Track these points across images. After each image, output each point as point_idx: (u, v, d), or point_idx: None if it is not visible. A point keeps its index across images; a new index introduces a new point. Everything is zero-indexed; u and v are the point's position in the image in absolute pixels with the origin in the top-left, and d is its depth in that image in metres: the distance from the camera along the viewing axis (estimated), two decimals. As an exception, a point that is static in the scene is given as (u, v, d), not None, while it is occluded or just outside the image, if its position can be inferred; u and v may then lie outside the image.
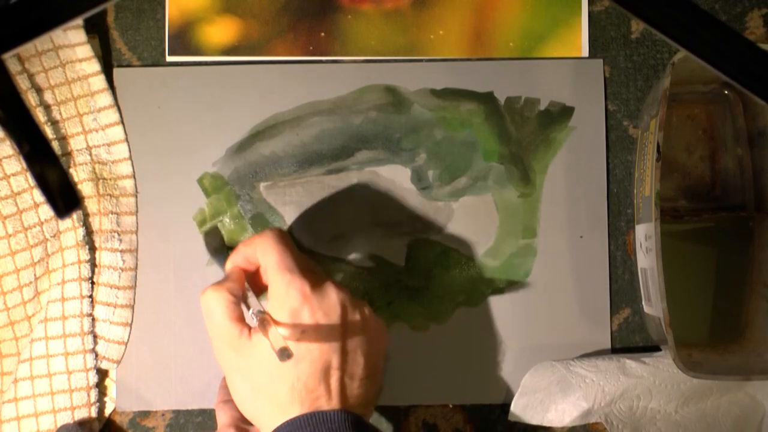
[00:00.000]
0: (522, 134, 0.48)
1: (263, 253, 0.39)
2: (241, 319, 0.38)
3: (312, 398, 0.36)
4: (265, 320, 0.36)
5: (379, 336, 0.40)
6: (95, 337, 0.46)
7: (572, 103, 0.48)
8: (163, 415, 0.47)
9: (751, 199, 0.48)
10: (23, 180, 0.46)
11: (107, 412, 0.47)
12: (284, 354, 0.34)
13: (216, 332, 0.39)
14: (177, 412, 0.47)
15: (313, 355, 0.36)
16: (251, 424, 0.43)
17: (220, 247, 0.47)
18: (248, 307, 0.39)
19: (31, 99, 0.45)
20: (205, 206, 0.48)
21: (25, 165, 0.44)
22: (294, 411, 0.36)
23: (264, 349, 0.36)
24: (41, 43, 0.45)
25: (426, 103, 0.48)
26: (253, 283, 0.41)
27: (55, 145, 0.46)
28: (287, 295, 0.37)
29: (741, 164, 0.48)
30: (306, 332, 0.36)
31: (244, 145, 0.48)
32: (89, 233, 0.46)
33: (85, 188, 0.46)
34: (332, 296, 0.38)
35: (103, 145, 0.47)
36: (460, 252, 0.48)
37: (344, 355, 0.37)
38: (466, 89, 0.48)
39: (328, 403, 0.37)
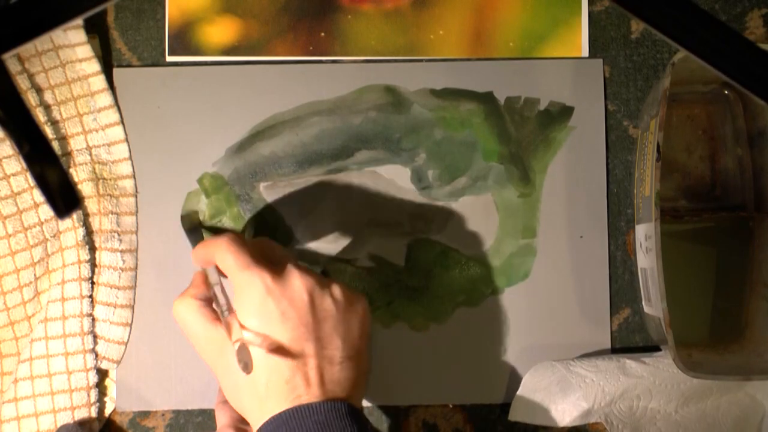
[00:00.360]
0: (522, 134, 0.48)
1: (221, 259, 0.39)
2: (215, 319, 0.39)
3: (289, 389, 0.36)
4: (228, 325, 0.37)
5: (357, 313, 0.39)
6: (95, 337, 0.46)
7: (572, 103, 0.48)
8: (163, 415, 0.47)
9: (751, 199, 0.48)
10: (23, 180, 0.46)
11: (107, 412, 0.47)
12: (246, 367, 0.35)
13: (195, 340, 0.39)
14: (177, 412, 0.47)
15: (284, 346, 0.36)
16: (250, 426, 0.43)
17: (194, 227, 0.47)
18: (218, 304, 0.39)
19: (31, 99, 0.45)
20: (205, 206, 0.48)
21: (25, 165, 0.44)
22: (273, 405, 0.36)
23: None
24: (41, 43, 0.45)
25: (426, 103, 0.48)
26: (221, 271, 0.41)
27: (55, 145, 0.46)
28: (249, 291, 0.37)
29: (741, 164, 0.48)
30: (273, 324, 0.36)
31: (243, 145, 0.48)
32: (89, 233, 0.46)
33: (85, 188, 0.46)
34: (295, 283, 0.37)
35: (103, 145, 0.47)
36: (460, 252, 0.48)
37: (318, 340, 0.37)
38: (466, 89, 0.48)
39: (308, 393, 0.36)
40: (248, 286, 0.37)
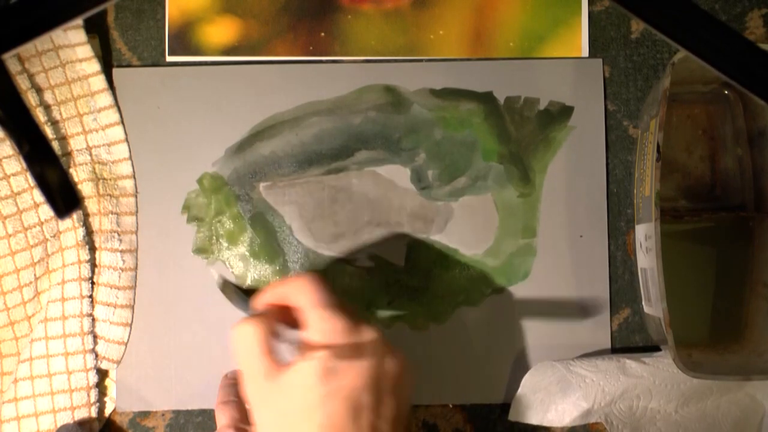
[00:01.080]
0: (522, 134, 0.48)
1: (300, 292, 0.38)
2: (273, 353, 0.38)
3: None
4: (305, 346, 0.36)
5: (410, 381, 0.39)
6: (95, 337, 0.46)
7: (572, 103, 0.48)
8: (163, 415, 0.47)
9: (751, 199, 0.48)
10: (23, 180, 0.46)
11: (107, 412, 0.47)
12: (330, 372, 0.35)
13: (249, 365, 0.37)
14: (177, 412, 0.47)
15: (344, 393, 0.35)
16: (251, 425, 0.43)
17: (234, 292, 0.47)
18: (281, 342, 0.38)
19: (31, 99, 0.45)
20: (204, 206, 0.48)
21: (25, 165, 0.44)
22: None
23: (295, 385, 0.36)
24: (41, 43, 0.45)
25: (425, 103, 0.48)
26: (283, 319, 0.40)
27: (55, 145, 0.46)
28: (324, 331, 0.37)
29: (741, 164, 0.48)
30: (339, 369, 0.36)
31: (243, 146, 0.48)
32: (89, 233, 0.46)
33: (85, 188, 0.46)
34: (368, 336, 0.37)
35: (103, 145, 0.47)
36: (460, 252, 0.48)
37: (376, 395, 0.36)
38: (466, 89, 0.48)
39: None
40: (324, 326, 0.37)
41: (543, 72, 0.48)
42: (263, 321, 0.38)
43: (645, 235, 0.44)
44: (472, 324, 0.48)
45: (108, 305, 0.46)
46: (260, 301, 0.40)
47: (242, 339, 0.38)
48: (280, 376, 0.36)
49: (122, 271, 0.47)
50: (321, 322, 0.37)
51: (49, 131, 0.46)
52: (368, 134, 0.48)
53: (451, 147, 0.48)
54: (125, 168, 0.48)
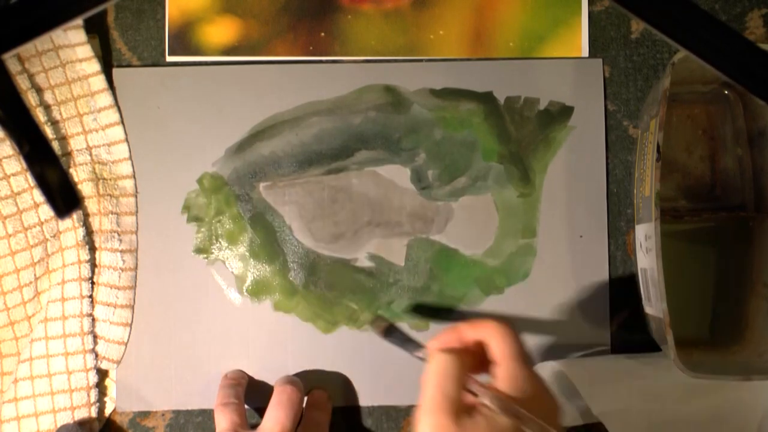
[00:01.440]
0: (522, 134, 0.48)
1: (500, 338, 0.38)
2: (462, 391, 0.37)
3: None
4: (497, 398, 0.36)
5: None
6: (95, 337, 0.46)
7: (572, 103, 0.48)
8: (163, 415, 0.47)
9: (751, 199, 0.48)
10: (23, 180, 0.46)
11: (107, 412, 0.47)
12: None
13: (442, 394, 0.36)
14: (177, 412, 0.47)
15: None
16: (251, 429, 0.43)
17: (389, 328, 0.47)
18: (470, 391, 0.37)
19: (31, 99, 0.45)
20: (204, 206, 0.48)
21: (25, 165, 0.44)
22: None
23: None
24: (41, 43, 0.45)
25: (425, 103, 0.48)
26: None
27: (55, 145, 0.46)
28: (517, 387, 0.36)
29: (741, 164, 0.48)
30: (529, 426, 0.36)
31: (243, 146, 0.48)
32: (89, 233, 0.46)
33: (85, 188, 0.46)
34: (552, 403, 0.37)
35: (103, 145, 0.47)
36: (460, 252, 0.48)
37: None
38: (466, 89, 0.48)
39: None
40: (525, 382, 0.37)
41: (543, 72, 0.48)
42: (464, 359, 0.37)
43: (645, 235, 0.44)
44: (472, 324, 0.48)
45: (108, 305, 0.46)
46: (440, 341, 0.39)
47: (440, 369, 0.37)
48: (466, 419, 0.36)
49: (122, 271, 0.47)
50: (515, 378, 0.37)
51: (49, 131, 0.46)
52: (368, 134, 0.48)
53: (451, 147, 0.48)
54: (125, 168, 0.48)
